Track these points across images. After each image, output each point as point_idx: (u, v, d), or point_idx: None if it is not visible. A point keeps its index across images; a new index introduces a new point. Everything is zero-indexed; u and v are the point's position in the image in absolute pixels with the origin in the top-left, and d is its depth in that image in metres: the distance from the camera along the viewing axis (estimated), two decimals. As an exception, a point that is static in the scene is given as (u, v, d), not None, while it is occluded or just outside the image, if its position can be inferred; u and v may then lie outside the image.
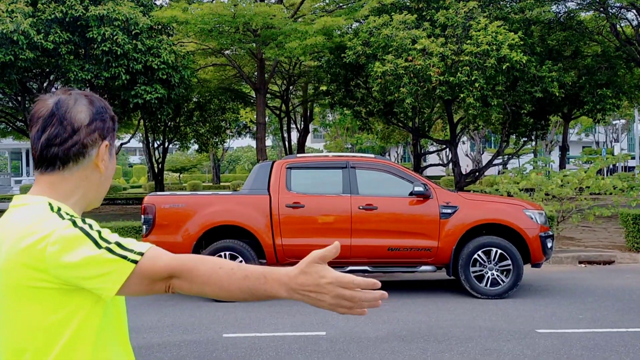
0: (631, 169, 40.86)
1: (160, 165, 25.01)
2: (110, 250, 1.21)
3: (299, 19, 17.11)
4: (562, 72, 15.19)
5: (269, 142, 50.95)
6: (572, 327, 6.18)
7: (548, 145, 40.01)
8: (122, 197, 28.85)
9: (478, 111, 14.53)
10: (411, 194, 7.70)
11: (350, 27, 18.44)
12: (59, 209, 1.29)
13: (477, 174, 18.15)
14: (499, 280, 7.60)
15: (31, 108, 1.40)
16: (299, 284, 1.19)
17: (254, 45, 17.20)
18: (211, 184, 44.12)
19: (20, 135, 23.80)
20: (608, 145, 51.11)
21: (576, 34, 17.47)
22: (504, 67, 13.46)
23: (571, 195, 12.14)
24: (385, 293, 1.21)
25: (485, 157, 38.53)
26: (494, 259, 7.59)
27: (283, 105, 25.63)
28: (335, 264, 7.60)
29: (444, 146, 24.04)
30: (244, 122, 31.21)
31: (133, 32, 14.64)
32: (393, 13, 15.17)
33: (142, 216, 7.78)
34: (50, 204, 1.30)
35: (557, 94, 14.72)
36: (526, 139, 19.02)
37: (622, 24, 18.54)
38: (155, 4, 17.31)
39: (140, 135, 27.24)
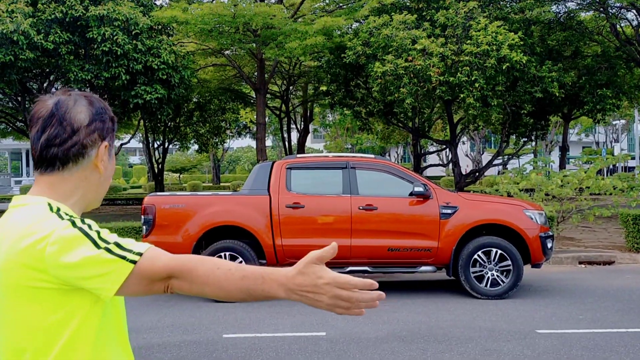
0: (631, 169, 40.88)
1: (160, 166, 25.01)
2: (109, 250, 1.21)
3: (299, 19, 17.11)
4: (562, 72, 15.19)
5: (269, 142, 50.97)
6: (572, 327, 6.18)
7: (548, 146, 40.01)
8: (122, 198, 28.85)
9: (478, 111, 14.53)
10: (411, 194, 7.70)
11: (350, 27, 18.44)
12: (59, 209, 1.29)
13: (477, 174, 18.15)
14: (499, 281, 7.59)
15: (31, 108, 1.40)
16: (297, 284, 1.20)
17: (254, 45, 17.20)
18: (211, 184, 44.12)
19: (20, 135, 23.81)
20: (608, 146, 51.12)
21: (576, 34, 17.47)
22: (504, 67, 13.46)
23: (571, 196, 12.14)
24: (382, 293, 1.21)
25: (485, 158, 38.53)
26: (494, 260, 7.59)
27: (283, 105, 25.63)
28: (336, 264, 7.60)
29: (444, 146, 24.04)
30: (244, 122, 31.21)
31: (133, 32, 14.64)
32: (393, 13, 15.17)
33: (142, 216, 7.78)
34: (49, 204, 1.30)
35: (557, 94, 14.73)
36: (526, 139, 19.02)
37: (622, 24, 18.54)
38: (155, 4, 17.31)
39: (140, 135, 27.25)
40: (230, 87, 23.41)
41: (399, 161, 50.80)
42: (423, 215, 7.68)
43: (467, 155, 41.43)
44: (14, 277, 1.23)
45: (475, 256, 7.59)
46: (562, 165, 21.10)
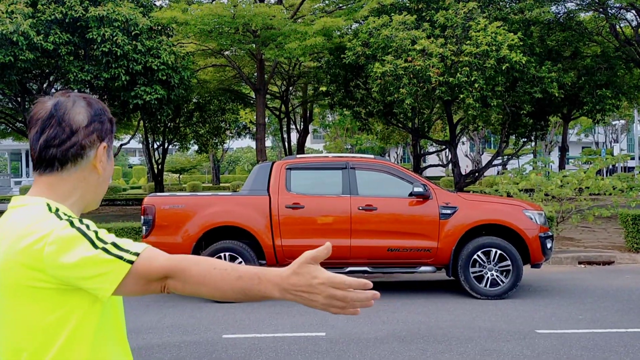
0: (630, 169, 40.90)
1: (160, 166, 25.01)
2: (106, 250, 1.22)
3: (299, 20, 17.13)
4: (561, 72, 15.20)
5: (268, 142, 50.99)
6: (572, 327, 6.18)
7: (547, 146, 40.04)
8: (121, 198, 28.85)
9: (478, 112, 14.54)
10: (411, 194, 7.70)
11: (350, 28, 18.45)
12: (57, 210, 1.30)
13: (476, 174, 18.16)
14: (499, 281, 7.60)
15: (31, 109, 1.41)
16: (292, 284, 1.20)
17: (254, 46, 17.21)
18: (211, 184, 44.12)
19: (20, 136, 23.80)
20: (607, 146, 51.12)
21: (576, 34, 17.49)
22: (503, 68, 13.47)
23: (571, 196, 12.14)
24: (377, 293, 1.22)
25: (485, 158, 38.55)
26: (493, 260, 7.59)
27: (283, 106, 25.64)
28: (335, 264, 7.60)
29: (444, 147, 24.06)
30: (243, 122, 31.22)
31: (133, 33, 14.64)
32: (393, 14, 15.19)
33: (142, 217, 7.78)
34: (48, 205, 1.31)
35: (557, 95, 14.73)
36: (526, 139, 19.04)
37: (621, 25, 18.56)
38: (155, 4, 17.32)
39: (140, 136, 27.25)
40: (230, 87, 23.42)
41: (399, 161, 50.81)
42: (423, 215, 7.68)
43: (466, 156, 41.46)
44: (13, 277, 1.24)
45: (475, 256, 7.59)
46: (561, 166, 21.11)
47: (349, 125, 33.91)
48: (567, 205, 12.21)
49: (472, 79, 13.55)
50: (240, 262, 7.49)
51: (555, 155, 37.31)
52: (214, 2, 16.81)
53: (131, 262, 1.22)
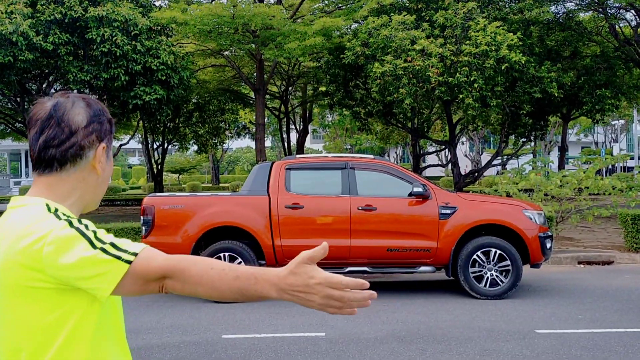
0: (630, 169, 40.92)
1: (159, 166, 25.01)
2: (104, 250, 1.22)
3: (298, 20, 17.12)
4: (561, 72, 15.20)
5: (268, 143, 50.99)
6: (571, 327, 6.18)
7: (547, 146, 40.04)
8: (121, 198, 28.84)
9: (477, 112, 14.55)
10: (410, 194, 7.70)
11: (350, 28, 18.45)
12: (56, 210, 1.30)
13: (476, 174, 18.16)
14: (498, 281, 7.60)
15: (30, 109, 1.41)
16: (288, 284, 1.20)
17: (253, 46, 17.21)
18: (210, 184, 44.10)
19: (20, 136, 23.80)
20: (607, 146, 51.15)
21: (575, 34, 17.49)
22: (503, 68, 13.47)
23: (570, 196, 12.14)
24: (374, 293, 1.22)
25: (485, 158, 38.54)
26: (493, 260, 7.59)
27: (282, 106, 25.64)
28: (335, 264, 7.60)
29: (443, 147, 24.07)
30: (243, 123, 31.21)
31: (132, 33, 14.64)
32: (392, 14, 15.19)
33: (142, 217, 7.78)
34: (47, 205, 1.31)
35: (556, 95, 14.74)
36: (525, 139, 19.05)
37: (620, 25, 18.56)
38: (154, 4, 17.31)
39: (140, 136, 27.23)
40: (230, 87, 23.42)
41: (398, 161, 50.81)
42: (422, 215, 7.68)
43: (466, 156, 41.47)
44: (13, 277, 1.25)
45: (475, 256, 7.60)
46: (561, 166, 21.11)
47: (349, 125, 33.91)
48: (566, 205, 12.21)
49: (472, 79, 13.55)
50: (239, 263, 7.49)
51: (554, 155, 37.33)
52: (213, 2, 16.80)
53: (129, 262, 1.22)
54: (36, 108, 1.37)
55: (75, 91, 14.83)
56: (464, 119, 19.15)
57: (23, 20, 13.50)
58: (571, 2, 17.82)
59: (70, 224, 1.25)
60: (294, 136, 29.80)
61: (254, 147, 26.62)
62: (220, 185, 42.81)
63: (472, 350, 5.42)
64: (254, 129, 21.60)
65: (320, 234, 7.60)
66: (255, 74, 19.39)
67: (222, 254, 7.59)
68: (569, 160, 33.42)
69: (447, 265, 7.71)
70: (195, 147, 28.26)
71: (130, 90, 15.23)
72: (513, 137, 19.37)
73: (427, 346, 5.56)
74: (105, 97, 16.38)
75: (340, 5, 18.66)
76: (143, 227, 7.79)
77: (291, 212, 7.70)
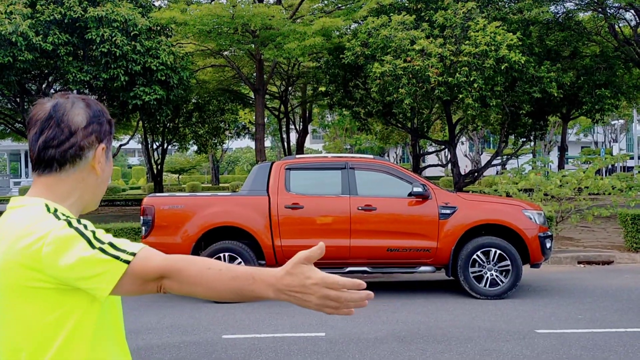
0: (630, 169, 40.93)
1: (159, 167, 25.00)
2: (103, 250, 1.22)
3: (298, 20, 17.12)
4: (560, 72, 15.20)
5: (267, 143, 50.95)
6: (571, 327, 6.19)
7: (547, 146, 40.04)
8: (121, 199, 28.79)
9: (477, 112, 14.54)
10: (410, 194, 7.70)
11: (349, 28, 18.45)
12: (56, 210, 1.30)
13: (476, 174, 18.16)
14: (498, 281, 7.60)
15: (30, 110, 1.41)
16: (285, 284, 1.20)
17: (253, 46, 17.21)
18: (210, 185, 44.09)
19: (19, 136, 23.77)
20: (607, 146, 51.15)
21: (574, 34, 17.49)
22: (502, 68, 13.47)
23: (570, 196, 12.15)
24: (371, 293, 1.22)
25: (484, 158, 38.54)
26: (493, 260, 7.59)
27: (282, 106, 25.64)
28: (335, 264, 7.60)
29: (443, 147, 24.07)
30: (242, 123, 31.20)
31: (132, 34, 14.64)
32: (392, 14, 15.18)
33: (141, 217, 7.78)
34: (47, 205, 1.31)
35: (556, 95, 14.73)
36: (525, 139, 19.04)
37: (620, 24, 18.56)
38: (154, 5, 17.31)
39: (139, 136, 27.22)
40: (229, 87, 23.42)
41: (398, 161, 50.82)
42: (422, 215, 7.68)
43: (466, 156, 41.47)
44: (12, 277, 1.25)
45: (475, 256, 7.60)
46: (560, 165, 21.11)
47: (348, 125, 33.91)
48: (566, 205, 12.21)
49: (471, 79, 13.55)
50: (239, 263, 7.49)
51: (554, 155, 37.34)
52: (212, 3, 16.80)
53: (128, 262, 1.22)
54: (36, 109, 1.37)
55: (75, 91, 14.87)
56: (463, 119, 19.15)
57: (22, 20, 13.49)
58: (571, 2, 17.83)
59: (70, 224, 1.25)
60: (293, 136, 29.80)
61: (253, 147, 26.61)
62: (220, 185, 42.79)
63: (472, 350, 5.42)
64: (254, 129, 21.60)
65: (320, 234, 7.60)
66: (254, 74, 19.39)
67: (222, 254, 7.59)
68: (569, 160, 33.43)
69: (447, 265, 7.71)
70: (195, 147, 28.25)
71: (129, 91, 15.23)
72: (513, 137, 19.36)
73: (427, 346, 5.56)
74: (104, 97, 16.37)
75: (339, 5, 18.66)
76: (143, 228, 7.79)
77: (291, 212, 7.70)
